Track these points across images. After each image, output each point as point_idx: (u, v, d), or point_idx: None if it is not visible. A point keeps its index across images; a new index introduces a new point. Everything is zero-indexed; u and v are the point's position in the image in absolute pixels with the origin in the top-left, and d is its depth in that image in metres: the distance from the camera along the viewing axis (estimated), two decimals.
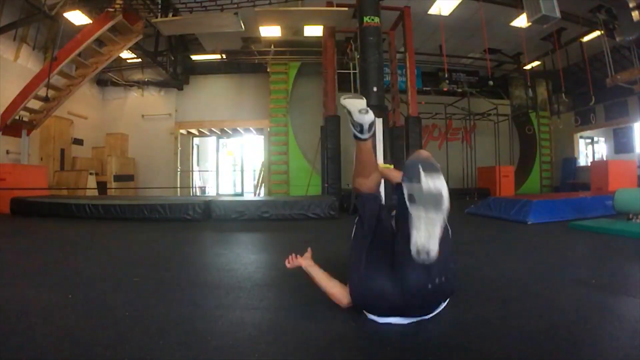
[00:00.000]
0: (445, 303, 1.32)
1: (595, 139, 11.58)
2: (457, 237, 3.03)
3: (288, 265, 1.52)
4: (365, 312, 1.29)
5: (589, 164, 9.50)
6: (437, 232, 0.96)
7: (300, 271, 1.80)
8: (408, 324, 1.24)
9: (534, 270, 2.02)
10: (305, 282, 1.68)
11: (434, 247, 0.97)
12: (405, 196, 1.00)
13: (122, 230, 3.79)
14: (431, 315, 1.28)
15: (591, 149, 11.73)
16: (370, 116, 1.29)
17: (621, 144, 9.94)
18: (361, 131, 1.30)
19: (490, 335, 1.15)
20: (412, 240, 0.98)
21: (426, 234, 0.96)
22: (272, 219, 4.59)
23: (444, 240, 1.06)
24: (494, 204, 4.65)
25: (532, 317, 1.30)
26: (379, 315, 1.25)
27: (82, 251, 2.76)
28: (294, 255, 1.53)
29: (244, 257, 2.44)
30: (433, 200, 0.95)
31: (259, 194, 10.22)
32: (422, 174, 0.95)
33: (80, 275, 1.94)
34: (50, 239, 3.33)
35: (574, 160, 10.75)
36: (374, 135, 1.38)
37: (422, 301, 1.18)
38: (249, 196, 10.01)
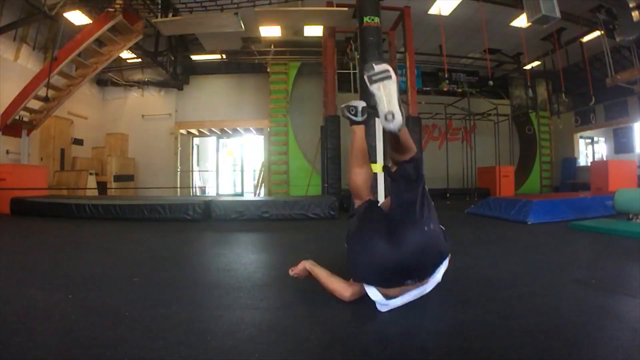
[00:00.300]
0: (443, 269, 1.37)
1: (595, 139, 11.58)
2: (457, 237, 3.05)
3: (292, 272, 1.59)
4: (368, 287, 1.33)
5: (589, 164, 9.51)
6: (394, 97, 1.21)
7: None
8: (411, 303, 1.32)
9: (534, 270, 2.02)
10: (305, 282, 1.68)
11: (396, 109, 1.19)
12: (367, 82, 1.26)
13: (122, 230, 3.79)
14: (431, 283, 1.35)
15: (591, 149, 11.73)
16: (362, 102, 1.58)
17: (621, 144, 9.94)
18: (355, 114, 1.57)
19: (490, 335, 1.15)
20: (379, 112, 1.21)
21: (387, 99, 1.20)
22: (272, 219, 4.59)
23: (426, 200, 1.32)
24: (494, 204, 4.65)
25: (532, 317, 1.30)
26: (382, 284, 1.32)
27: (82, 251, 2.76)
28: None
29: (244, 257, 2.44)
30: (384, 73, 1.24)
31: (259, 194, 10.22)
32: (374, 65, 1.26)
33: (80, 275, 1.94)
34: (50, 239, 3.33)
35: (574, 160, 10.75)
36: (365, 123, 1.62)
37: (420, 252, 1.27)
38: (249, 196, 10.01)
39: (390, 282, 1.32)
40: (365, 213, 1.46)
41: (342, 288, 1.42)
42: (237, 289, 1.69)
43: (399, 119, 1.18)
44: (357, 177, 1.58)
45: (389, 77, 1.24)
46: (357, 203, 1.57)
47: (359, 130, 1.61)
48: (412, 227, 1.27)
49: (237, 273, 1.98)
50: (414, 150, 1.34)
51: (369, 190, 1.59)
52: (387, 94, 1.22)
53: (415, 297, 1.38)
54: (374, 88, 1.25)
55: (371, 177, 1.62)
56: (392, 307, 1.36)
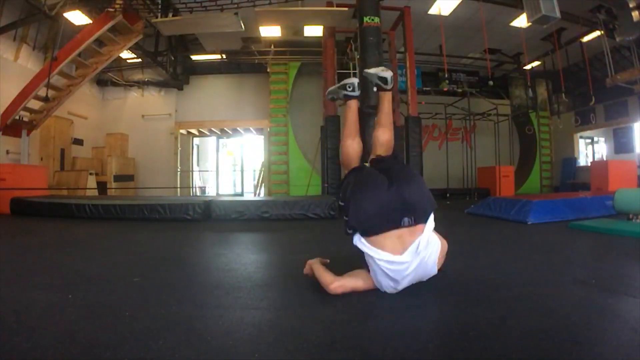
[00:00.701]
0: (437, 251, 1.47)
1: (595, 139, 11.58)
2: (457, 237, 3.05)
3: (305, 272, 1.73)
4: (372, 249, 1.42)
5: (589, 164, 9.51)
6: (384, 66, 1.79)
7: (300, 271, 1.80)
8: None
9: (534, 270, 2.02)
10: (305, 282, 1.68)
11: (388, 67, 1.77)
12: (367, 71, 1.76)
13: (122, 230, 3.79)
14: (426, 227, 1.45)
15: (591, 149, 11.73)
16: (355, 79, 1.82)
17: (621, 144, 9.94)
18: (353, 89, 1.79)
19: (490, 335, 1.15)
20: (376, 71, 1.71)
21: (379, 70, 1.73)
22: (272, 219, 4.59)
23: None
24: (494, 204, 4.65)
25: (532, 317, 1.29)
26: (383, 225, 1.41)
27: (82, 251, 2.76)
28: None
29: (244, 257, 2.44)
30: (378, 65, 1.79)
31: (259, 194, 10.22)
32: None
33: (80, 275, 1.93)
34: (50, 239, 3.33)
35: (574, 160, 10.76)
36: (358, 98, 1.84)
37: (414, 185, 1.49)
38: (249, 196, 10.02)
39: (390, 220, 1.41)
40: (360, 169, 1.67)
41: (328, 280, 1.51)
42: (237, 289, 1.69)
43: (391, 70, 1.71)
44: (349, 148, 1.73)
45: (383, 66, 1.78)
46: (346, 171, 1.72)
47: (354, 104, 1.82)
48: (402, 167, 1.59)
49: (237, 273, 1.98)
50: (392, 133, 1.76)
51: (359, 161, 1.74)
52: (378, 69, 1.73)
53: (417, 277, 1.47)
54: (370, 70, 1.73)
55: (362, 148, 1.77)
56: (398, 278, 1.43)
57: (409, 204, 1.42)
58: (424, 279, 1.54)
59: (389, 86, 1.72)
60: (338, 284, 1.49)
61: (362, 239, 1.46)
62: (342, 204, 1.55)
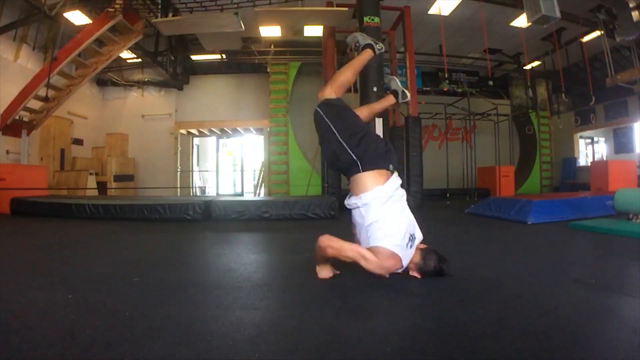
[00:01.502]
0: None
1: (595, 139, 11.59)
2: (457, 237, 3.04)
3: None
4: (375, 190, 1.69)
5: (589, 164, 9.51)
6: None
7: (300, 271, 1.80)
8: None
9: (534, 270, 2.02)
10: (305, 282, 1.68)
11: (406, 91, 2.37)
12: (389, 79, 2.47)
13: (122, 230, 3.79)
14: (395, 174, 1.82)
15: (591, 149, 11.74)
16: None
17: (621, 144, 9.95)
18: (381, 48, 2.13)
19: (490, 335, 1.15)
20: (404, 90, 2.38)
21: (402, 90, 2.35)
22: (272, 219, 4.59)
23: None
24: (494, 204, 4.65)
25: (532, 317, 1.30)
26: (382, 162, 1.76)
27: (82, 251, 2.76)
28: None
29: (244, 257, 2.44)
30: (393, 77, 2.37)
31: (259, 194, 10.22)
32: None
33: (80, 275, 1.94)
34: (50, 239, 3.33)
35: (574, 160, 10.76)
36: (375, 55, 2.14)
37: (394, 155, 1.92)
38: (249, 196, 10.02)
39: (385, 162, 1.78)
40: (346, 108, 1.95)
41: (339, 243, 1.66)
42: (237, 289, 1.69)
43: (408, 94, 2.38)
44: (353, 79, 2.09)
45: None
46: (333, 93, 1.93)
47: (371, 54, 2.11)
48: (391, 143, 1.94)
49: (237, 273, 1.98)
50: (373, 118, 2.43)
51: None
52: (399, 85, 2.40)
53: (408, 222, 1.71)
54: (392, 80, 2.40)
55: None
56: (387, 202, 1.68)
57: (393, 160, 1.85)
58: (416, 236, 1.73)
59: (400, 100, 2.33)
60: (327, 236, 1.66)
61: (359, 196, 1.72)
62: (339, 134, 1.80)
